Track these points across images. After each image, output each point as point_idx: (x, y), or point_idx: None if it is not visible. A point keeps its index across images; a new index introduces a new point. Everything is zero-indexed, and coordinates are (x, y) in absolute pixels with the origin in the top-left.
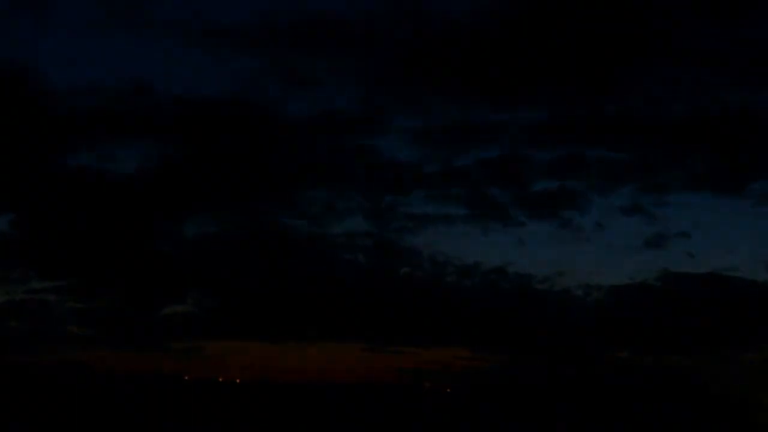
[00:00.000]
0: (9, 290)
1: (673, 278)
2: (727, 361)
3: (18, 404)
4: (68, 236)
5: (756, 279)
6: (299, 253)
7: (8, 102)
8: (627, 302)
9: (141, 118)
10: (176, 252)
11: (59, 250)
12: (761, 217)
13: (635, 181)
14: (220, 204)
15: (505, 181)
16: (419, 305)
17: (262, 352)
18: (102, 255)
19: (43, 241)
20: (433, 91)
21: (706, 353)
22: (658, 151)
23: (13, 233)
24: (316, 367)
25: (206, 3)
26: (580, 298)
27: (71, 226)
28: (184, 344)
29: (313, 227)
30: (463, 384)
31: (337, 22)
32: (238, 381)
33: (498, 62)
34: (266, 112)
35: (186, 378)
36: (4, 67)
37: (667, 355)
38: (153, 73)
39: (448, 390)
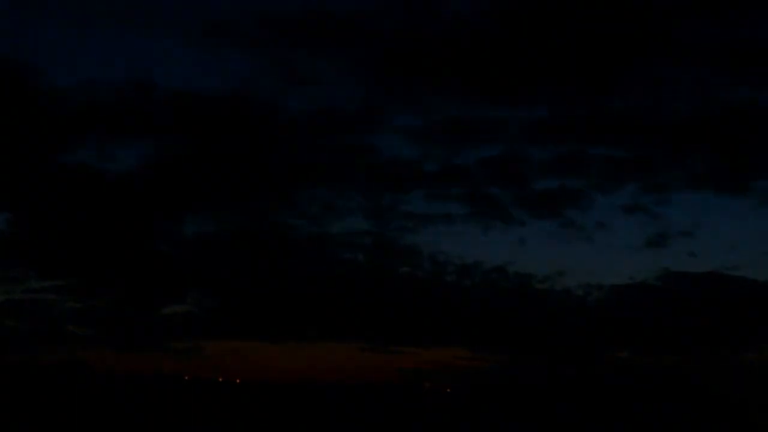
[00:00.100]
0: (8, 290)
1: (674, 278)
2: (728, 362)
3: (17, 404)
4: (67, 235)
5: (757, 278)
6: (299, 253)
7: (6, 99)
8: (627, 302)
9: (140, 115)
10: (176, 251)
11: (58, 250)
12: (763, 216)
13: (637, 180)
14: (219, 203)
15: (506, 180)
16: (419, 305)
17: (262, 352)
18: (101, 254)
19: (42, 240)
20: (433, 89)
21: (706, 353)
22: (659, 150)
23: (12, 232)
24: (316, 367)
25: (206, 0)
26: (580, 297)
27: (70, 225)
28: (184, 344)
29: (312, 227)
30: (463, 384)
31: (336, 20)
32: (238, 381)
33: (498, 60)
34: (266, 110)
35: (186, 378)
36: (2, 65)
37: (667, 355)
38: (152, 70)
39: (448, 390)
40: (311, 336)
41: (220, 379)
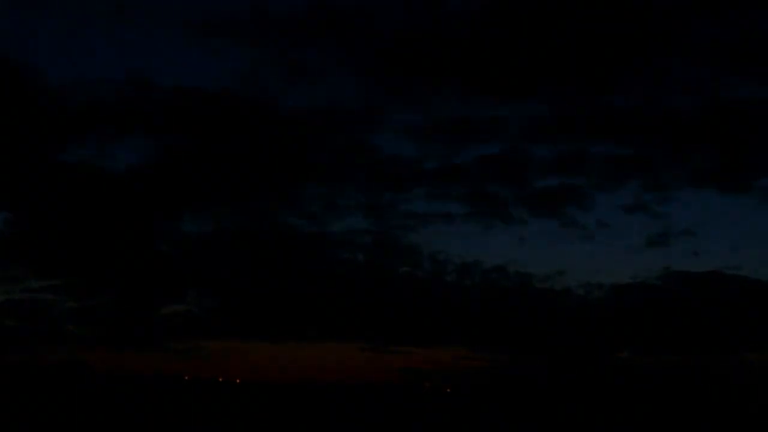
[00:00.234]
0: (7, 290)
1: (676, 277)
2: (729, 362)
3: (17, 404)
4: (66, 235)
5: (760, 278)
6: (299, 253)
7: (4, 99)
8: (628, 302)
9: (139, 113)
10: (175, 251)
11: (57, 249)
12: (766, 215)
13: (638, 179)
14: (219, 202)
15: (506, 179)
16: (419, 305)
17: (262, 352)
18: (101, 254)
19: (41, 239)
20: (433, 88)
21: (707, 353)
22: (661, 149)
23: (11, 232)
24: (316, 367)
25: None
26: (581, 297)
27: (69, 224)
28: (184, 344)
29: (312, 226)
30: (463, 384)
31: (336, 18)
32: (238, 381)
33: (498, 58)
34: (265, 106)
35: (186, 378)
36: (0, 64)
37: (667, 355)
38: (151, 68)
39: (448, 390)
40: (311, 336)
41: (220, 379)
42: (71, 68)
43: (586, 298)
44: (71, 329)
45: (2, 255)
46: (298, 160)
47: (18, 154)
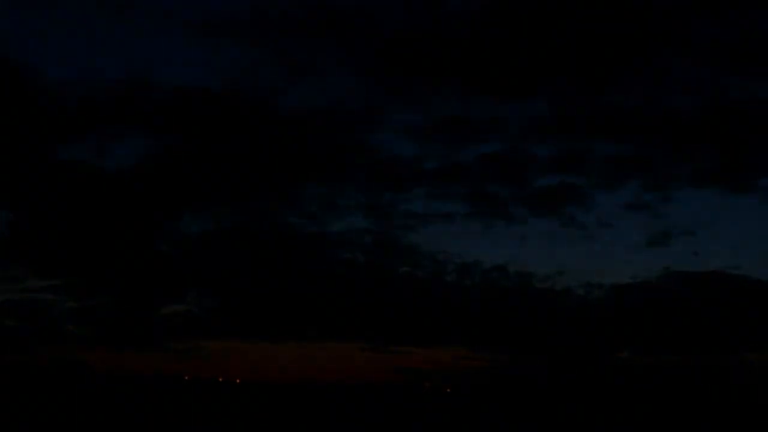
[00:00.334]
0: (6, 289)
1: (677, 277)
2: (729, 362)
3: (16, 404)
4: (65, 234)
5: (761, 278)
6: (299, 252)
7: (3, 97)
8: (628, 301)
9: (138, 111)
10: (175, 251)
11: (56, 249)
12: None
13: (639, 178)
14: (218, 202)
15: (506, 178)
16: (419, 305)
17: (262, 352)
18: (100, 253)
19: (41, 239)
20: (433, 87)
21: (707, 353)
22: (662, 148)
23: (10, 231)
24: (316, 367)
25: None
26: (581, 297)
27: (68, 223)
28: (184, 344)
29: (312, 225)
30: (463, 384)
31: (336, 17)
32: (238, 381)
33: (499, 56)
34: (265, 106)
35: (186, 378)
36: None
37: (667, 355)
38: (151, 66)
39: (448, 390)
40: (311, 336)
41: (220, 379)
42: (71, 67)
43: (586, 298)
44: (71, 329)
45: (2, 255)
46: (297, 160)
47: (17, 153)
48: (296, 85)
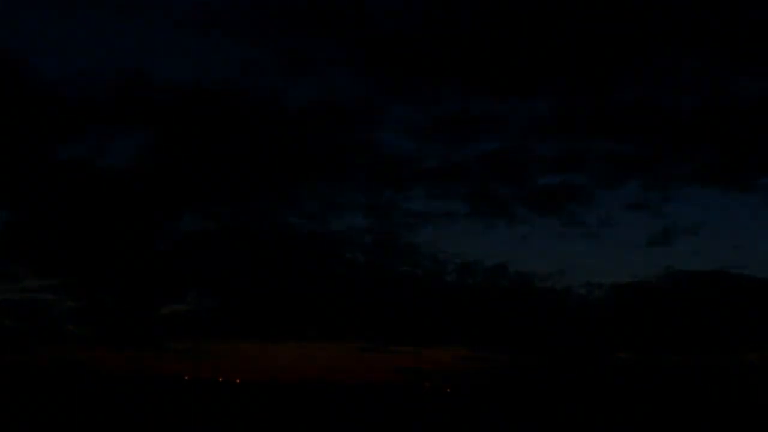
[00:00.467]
0: (4, 289)
1: (678, 276)
2: (730, 362)
3: (16, 404)
4: (65, 233)
5: (763, 277)
6: (299, 252)
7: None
8: (629, 301)
9: (136, 108)
10: (175, 250)
11: (55, 248)
12: None
13: (640, 177)
14: (218, 201)
15: (507, 177)
16: (419, 304)
17: (262, 352)
18: (99, 253)
19: (39, 238)
20: (433, 84)
21: (708, 354)
22: (664, 146)
23: (8, 231)
24: (316, 367)
25: None
26: (581, 296)
27: (67, 223)
28: (184, 344)
29: (312, 225)
30: (463, 384)
31: (336, 14)
32: (238, 381)
33: (500, 54)
34: (265, 103)
35: (186, 378)
36: None
37: (667, 355)
38: (146, 62)
39: (448, 390)
40: (311, 336)
41: (220, 379)
42: (68, 64)
43: (587, 298)
44: (71, 329)
45: (0, 254)
46: (297, 159)
47: (15, 152)
48: (295, 83)
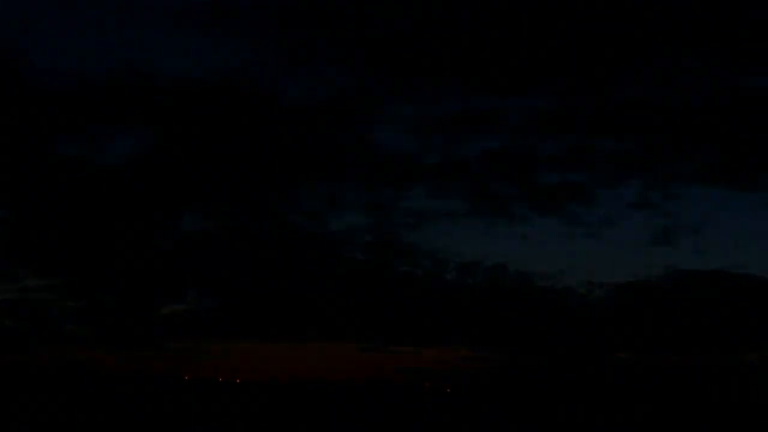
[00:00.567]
0: (3, 289)
1: (680, 276)
2: (730, 362)
3: (15, 404)
4: (64, 233)
5: (765, 276)
6: (299, 252)
7: None
8: (630, 301)
9: (135, 105)
10: (174, 249)
11: (54, 247)
12: None
13: (642, 176)
14: (217, 199)
15: (508, 175)
16: (419, 304)
17: (262, 352)
18: (99, 252)
19: (38, 237)
20: (433, 81)
21: (707, 353)
22: (667, 144)
23: (6, 230)
24: (316, 366)
25: None
26: (582, 296)
27: (67, 222)
28: (184, 344)
29: (312, 224)
30: (463, 384)
31: (335, 11)
32: (238, 381)
33: (501, 50)
34: (264, 100)
35: (186, 378)
36: None
37: (668, 355)
38: (146, 58)
39: (448, 390)
40: (311, 336)
41: (220, 379)
42: (67, 62)
43: (588, 298)
44: (71, 329)
45: (0, 254)
46: (297, 158)
47: (14, 151)
48: (295, 80)
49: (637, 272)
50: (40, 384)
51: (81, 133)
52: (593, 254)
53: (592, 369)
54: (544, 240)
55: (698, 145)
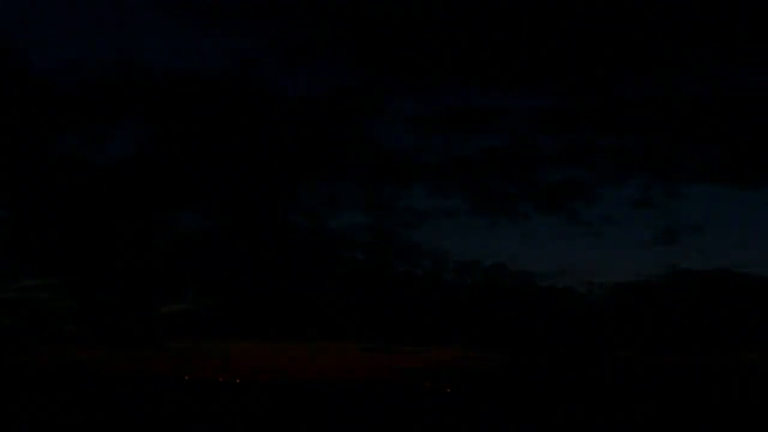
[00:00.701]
0: (1, 288)
1: (682, 275)
2: (730, 362)
3: (15, 404)
4: (62, 232)
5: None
6: (299, 251)
7: None
8: (630, 300)
9: (132, 102)
10: (174, 248)
11: (53, 247)
12: None
13: (644, 173)
14: (217, 198)
15: (509, 172)
16: (419, 304)
17: (262, 352)
18: (98, 251)
19: (36, 237)
20: (434, 77)
21: (707, 353)
22: (670, 141)
23: (4, 229)
24: (316, 366)
25: None
26: (582, 296)
27: (65, 221)
28: (184, 344)
29: (312, 222)
30: (463, 384)
31: (336, 6)
32: (238, 381)
33: (502, 46)
34: (264, 96)
35: (186, 378)
36: None
37: (668, 354)
38: (144, 53)
39: (448, 390)
40: (311, 336)
41: (220, 379)
42: (65, 58)
43: (588, 297)
44: (70, 329)
45: None
46: (297, 156)
47: (12, 149)
48: (295, 77)
49: (639, 272)
50: (40, 384)
51: (80, 132)
52: (594, 253)
53: (592, 369)
54: (544, 239)
55: (700, 143)
